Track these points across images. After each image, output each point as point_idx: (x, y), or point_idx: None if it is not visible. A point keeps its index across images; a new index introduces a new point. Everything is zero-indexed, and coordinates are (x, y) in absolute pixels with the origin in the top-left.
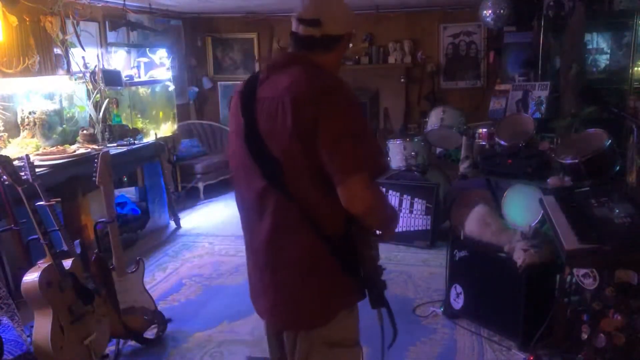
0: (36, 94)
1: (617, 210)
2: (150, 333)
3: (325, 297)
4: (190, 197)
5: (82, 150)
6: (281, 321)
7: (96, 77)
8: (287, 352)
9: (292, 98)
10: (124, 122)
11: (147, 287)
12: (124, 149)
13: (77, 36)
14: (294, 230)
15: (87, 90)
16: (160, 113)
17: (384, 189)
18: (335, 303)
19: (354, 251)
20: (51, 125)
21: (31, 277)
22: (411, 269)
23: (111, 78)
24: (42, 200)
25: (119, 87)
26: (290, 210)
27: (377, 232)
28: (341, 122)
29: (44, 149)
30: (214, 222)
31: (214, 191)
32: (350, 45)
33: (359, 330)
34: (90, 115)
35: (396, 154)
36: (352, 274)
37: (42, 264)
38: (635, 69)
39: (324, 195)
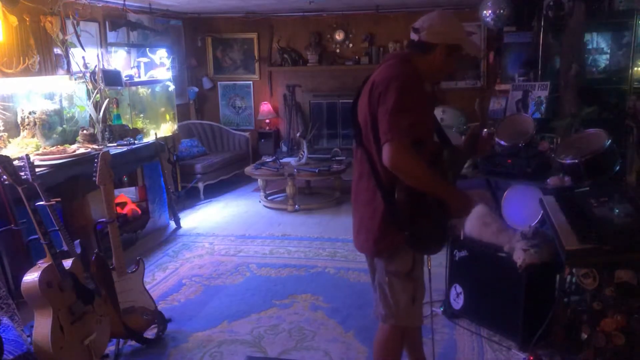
0: (36, 94)
1: (617, 210)
2: (150, 333)
3: (380, 234)
4: (190, 197)
5: (82, 150)
6: (360, 247)
7: (96, 77)
8: (370, 270)
9: (372, 82)
10: (124, 122)
11: (147, 287)
12: (124, 149)
13: (77, 36)
14: (366, 179)
15: (87, 90)
16: (162, 113)
17: None
18: (388, 239)
19: (393, 199)
20: (51, 125)
21: (31, 277)
22: None
23: (111, 78)
24: (42, 200)
25: (119, 87)
26: (366, 163)
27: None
28: (390, 102)
29: (44, 149)
30: (214, 222)
31: (214, 191)
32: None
33: (416, 267)
34: (90, 115)
35: None
36: (394, 218)
37: (42, 264)
38: (635, 69)
39: (381, 154)
